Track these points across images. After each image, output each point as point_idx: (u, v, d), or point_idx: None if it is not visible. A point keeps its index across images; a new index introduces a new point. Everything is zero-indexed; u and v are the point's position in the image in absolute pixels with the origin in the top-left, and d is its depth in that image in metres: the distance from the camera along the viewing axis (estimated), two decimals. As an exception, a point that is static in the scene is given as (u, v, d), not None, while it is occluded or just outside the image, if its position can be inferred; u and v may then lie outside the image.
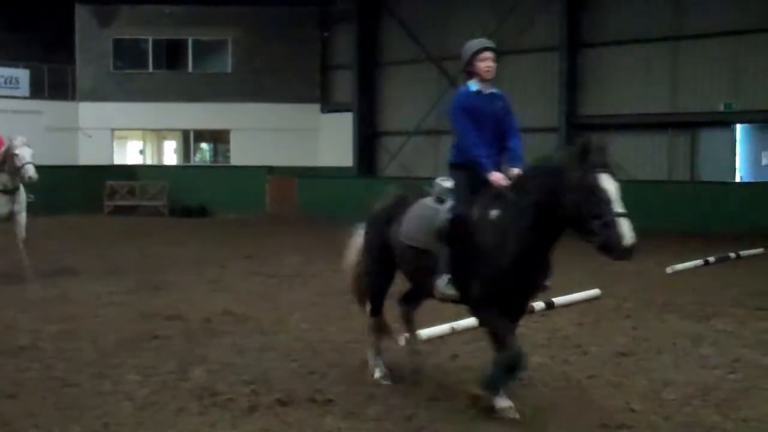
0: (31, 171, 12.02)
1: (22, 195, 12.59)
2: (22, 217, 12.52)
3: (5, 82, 30.89)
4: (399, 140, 29.57)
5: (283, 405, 6.09)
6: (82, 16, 31.25)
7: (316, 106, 32.03)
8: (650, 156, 24.02)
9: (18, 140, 12.17)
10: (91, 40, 31.32)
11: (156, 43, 31.85)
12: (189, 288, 11.62)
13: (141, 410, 6.02)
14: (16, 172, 12.11)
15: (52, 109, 31.05)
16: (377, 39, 30.12)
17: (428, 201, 6.39)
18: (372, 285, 7.09)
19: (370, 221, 7.04)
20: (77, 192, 26.50)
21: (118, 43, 31.70)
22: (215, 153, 34.76)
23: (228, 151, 32.67)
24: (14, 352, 7.70)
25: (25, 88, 31.33)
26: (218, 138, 33.67)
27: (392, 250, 6.61)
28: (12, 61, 31.15)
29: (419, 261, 6.33)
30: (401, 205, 6.63)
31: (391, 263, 6.73)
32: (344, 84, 31.23)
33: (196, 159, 33.80)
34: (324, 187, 27.34)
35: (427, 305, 10.15)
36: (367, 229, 7.09)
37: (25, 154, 12.06)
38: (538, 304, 9.56)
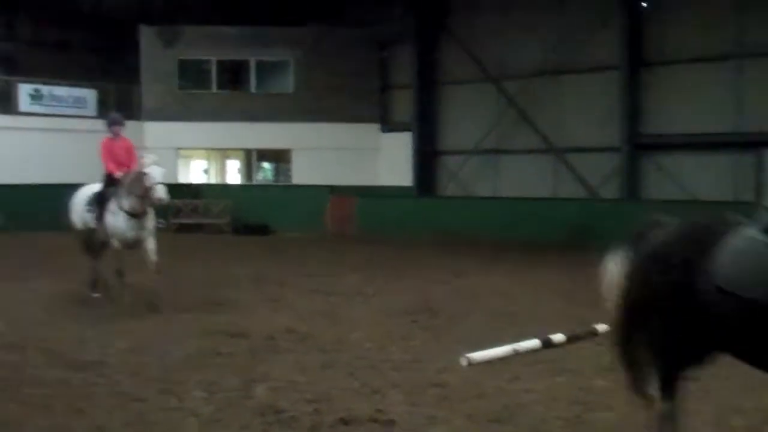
0: (161, 192, 11.10)
1: (151, 219, 11.80)
2: (151, 244, 11.61)
3: (73, 102, 31.67)
4: (458, 160, 29.53)
5: (346, 424, 6.12)
6: (147, 37, 31.90)
7: (376, 126, 32.18)
8: (714, 176, 23.55)
9: (147, 158, 11.38)
10: (156, 61, 31.94)
11: (219, 63, 32.37)
12: (251, 305, 11.74)
13: (206, 427, 6.10)
14: (145, 193, 11.19)
15: (118, 128, 31.71)
16: (436, 58, 30.17)
17: (755, 233, 4.59)
18: (663, 353, 5.08)
19: (651, 258, 5.11)
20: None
21: (182, 64, 32.27)
22: (277, 172, 35.12)
23: (289, 170, 32.96)
24: (82, 366, 7.85)
25: (92, 107, 32.04)
26: (280, 157, 34.03)
27: (700, 305, 4.66)
28: (79, 81, 31.98)
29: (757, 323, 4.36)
30: (706, 236, 4.82)
31: (696, 322, 4.75)
32: (404, 103, 31.32)
33: (259, 178, 34.19)
34: (383, 207, 27.40)
35: (485, 323, 10.14)
36: (647, 270, 5.13)
37: (154, 173, 11.18)
38: (603, 327, 9.41)
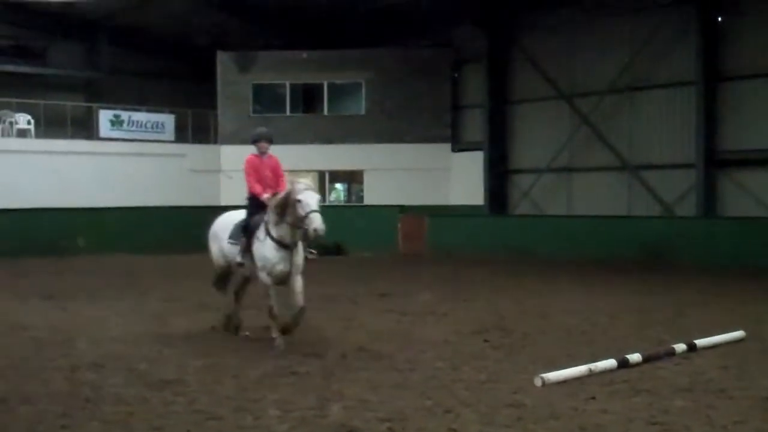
0: (317, 222, 9.53)
1: (301, 252, 10.25)
2: (299, 282, 10.10)
3: (152, 127, 32.54)
4: (530, 178, 29.35)
5: (419, 443, 6.12)
6: (223, 62, 32.59)
7: (447, 146, 32.21)
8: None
9: (301, 184, 9.81)
10: (232, 86, 32.59)
11: (293, 87, 32.87)
12: (324, 325, 11.82)
13: (281, 444, 6.17)
14: (298, 223, 9.66)
15: (195, 152, 32.47)
16: (507, 77, 30.10)
17: None
18: None
19: None
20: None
21: (257, 88, 32.86)
22: (349, 193, 35.41)
23: (362, 190, 33.20)
24: (160, 385, 8.01)
25: (170, 132, 32.89)
26: (352, 178, 34.32)
27: None
28: (158, 107, 32.85)
29: None
30: None
31: None
32: (475, 123, 31.31)
33: (332, 199, 34.50)
34: (455, 226, 27.37)
35: (558, 342, 10.04)
36: None
37: (310, 201, 9.63)
38: (680, 346, 9.28)
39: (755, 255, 19.83)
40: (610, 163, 27.01)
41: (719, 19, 24.26)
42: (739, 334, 10.25)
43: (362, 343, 10.08)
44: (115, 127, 31.80)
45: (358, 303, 14.32)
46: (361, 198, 33.20)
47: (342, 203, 34.86)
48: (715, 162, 24.29)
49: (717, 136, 24.28)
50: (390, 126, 31.73)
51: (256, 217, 10.28)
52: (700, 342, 9.56)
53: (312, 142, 31.92)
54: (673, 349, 9.25)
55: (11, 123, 30.17)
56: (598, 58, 27.12)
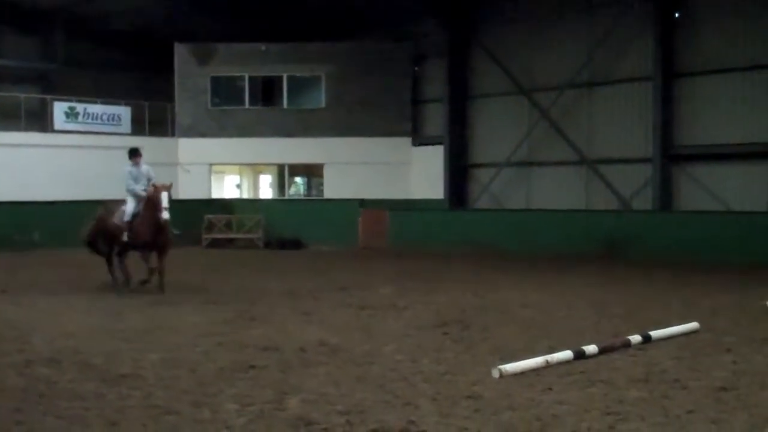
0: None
1: None
2: None
3: (108, 120, 32.14)
4: (490, 172, 29.51)
5: (378, 435, 6.13)
6: (180, 55, 32.31)
7: (408, 140, 32.28)
8: (748, 187, 23.29)
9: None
10: (190, 78, 32.33)
11: (252, 80, 32.68)
12: (283, 319, 11.79)
13: (239, 438, 6.14)
14: None
15: (152, 145, 31.92)
16: (468, 72, 30.24)
17: None
18: None
19: None
20: (176, 225, 27.19)
21: (215, 81, 32.64)
22: (309, 187, 35.34)
23: (321, 184, 33.16)
24: (116, 380, 7.93)
25: (127, 125, 32.51)
26: (312, 172, 34.25)
27: None
28: (114, 99, 32.45)
29: None
30: None
31: None
32: (435, 117, 31.41)
33: (291, 193, 34.40)
34: (415, 220, 27.43)
35: (517, 335, 10.12)
36: None
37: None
38: (635, 338, 9.41)
39: (710, 249, 20.14)
40: (569, 158, 27.26)
41: (676, 15, 24.59)
42: (693, 325, 10.41)
43: (322, 337, 10.07)
44: (70, 120, 31.36)
45: (317, 297, 14.30)
46: (321, 192, 33.17)
47: (302, 197, 34.78)
48: (671, 157, 24.62)
49: (673, 131, 24.63)
50: (350, 120, 31.70)
51: None
52: (655, 334, 9.69)
53: (271, 135, 31.78)
54: (629, 340, 9.37)
55: (-36, 115, 29.63)
56: (557, 54, 27.34)
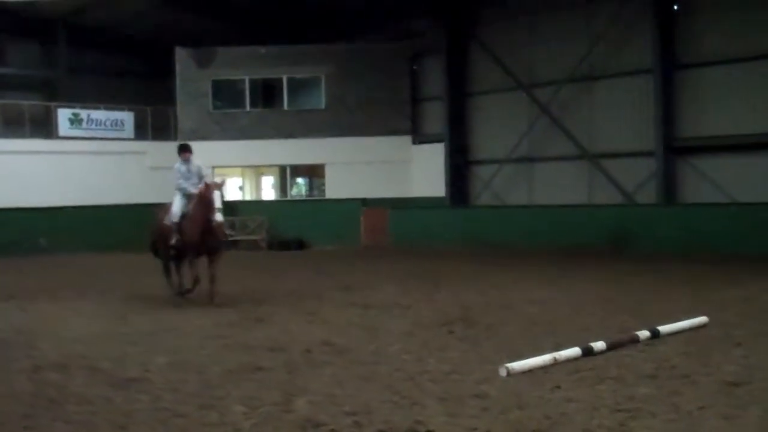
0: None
1: None
2: None
3: (111, 125, 32.16)
4: (491, 169, 29.47)
5: (386, 436, 6.11)
6: (182, 59, 32.30)
7: (408, 138, 32.25)
8: (752, 178, 23.23)
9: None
10: (191, 82, 32.32)
11: (252, 82, 32.67)
12: (289, 320, 11.78)
13: (247, 441, 6.13)
14: None
15: (155, 149, 32.13)
16: (467, 69, 30.19)
17: None
18: None
19: None
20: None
21: (216, 84, 32.63)
22: (311, 187, 35.33)
23: (323, 184, 33.13)
24: (124, 383, 7.92)
25: (130, 130, 32.54)
26: (314, 172, 34.24)
27: None
28: (117, 104, 32.47)
29: None
30: None
31: None
32: (435, 115, 31.37)
33: (293, 193, 34.38)
34: (416, 218, 27.42)
35: (523, 332, 10.09)
36: None
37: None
38: (644, 333, 9.36)
39: (716, 241, 20.08)
40: (570, 153, 27.20)
41: (675, 7, 24.52)
42: (701, 319, 10.37)
43: (327, 338, 10.05)
44: (74, 126, 31.39)
45: (321, 297, 14.28)
46: (323, 192, 33.14)
47: (304, 197, 34.77)
48: (673, 149, 24.55)
49: (675, 123, 24.55)
50: (350, 120, 31.69)
51: None
52: (663, 329, 9.64)
53: (273, 137, 31.77)
54: (637, 336, 9.33)
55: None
56: (556, 48, 27.26)
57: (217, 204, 13.24)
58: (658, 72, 24.46)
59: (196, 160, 14.29)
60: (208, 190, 13.42)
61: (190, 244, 13.66)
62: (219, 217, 13.28)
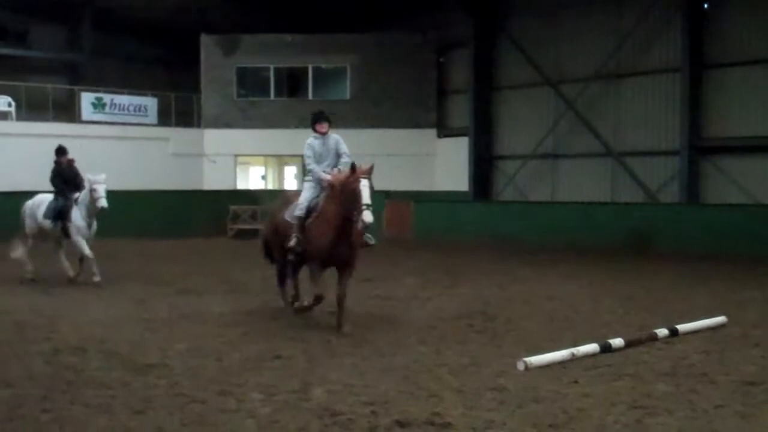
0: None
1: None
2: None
3: (135, 110, 32.30)
4: (515, 164, 29.38)
5: (402, 426, 6.12)
6: (207, 46, 32.39)
7: (433, 131, 32.20)
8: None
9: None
10: (216, 70, 32.41)
11: (277, 71, 32.72)
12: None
13: (264, 428, 6.15)
14: None
15: (178, 135, 32.28)
16: (493, 63, 30.07)
17: None
18: None
19: None
20: (202, 216, 27.37)
21: (241, 72, 32.70)
22: (334, 178, 35.31)
23: (346, 176, 33.09)
24: (143, 369, 7.97)
25: (153, 116, 32.67)
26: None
27: None
28: (141, 90, 32.62)
29: None
30: None
31: None
32: (460, 108, 31.29)
33: (316, 184, 34.38)
34: (440, 211, 27.35)
35: (542, 327, 10.07)
36: None
37: None
38: (662, 332, 9.32)
39: (737, 242, 19.92)
40: (595, 150, 27.06)
41: (705, 6, 24.30)
42: (720, 319, 10.31)
43: (346, 328, 10.05)
44: (97, 110, 31.55)
45: (342, 288, 14.26)
46: (346, 183, 33.09)
47: (326, 188, 34.77)
48: (699, 149, 24.37)
49: (701, 123, 24.37)
50: (375, 111, 31.66)
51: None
52: (682, 327, 9.61)
53: (296, 126, 31.74)
54: (656, 334, 9.29)
55: (-8, 105, 29.90)
56: (584, 45, 27.12)
57: (365, 198, 9.42)
58: (686, 71, 24.27)
59: (333, 135, 10.88)
60: (351, 177, 9.70)
61: (315, 250, 10.06)
62: (368, 217, 9.37)
